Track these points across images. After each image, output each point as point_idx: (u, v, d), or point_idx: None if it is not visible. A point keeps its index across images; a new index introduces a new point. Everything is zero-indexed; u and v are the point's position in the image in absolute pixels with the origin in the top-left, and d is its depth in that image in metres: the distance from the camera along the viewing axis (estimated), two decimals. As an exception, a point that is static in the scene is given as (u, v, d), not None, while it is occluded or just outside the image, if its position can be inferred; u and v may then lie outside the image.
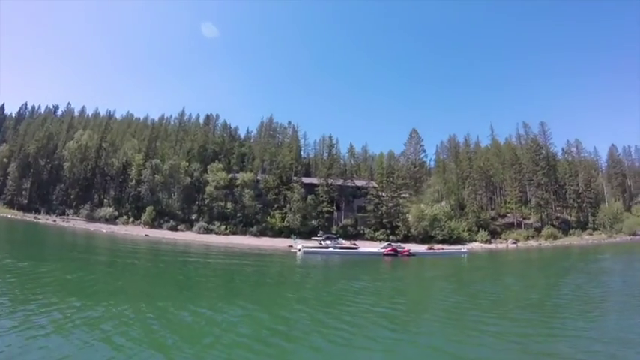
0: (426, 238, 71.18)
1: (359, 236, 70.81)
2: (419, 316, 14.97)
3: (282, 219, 71.19)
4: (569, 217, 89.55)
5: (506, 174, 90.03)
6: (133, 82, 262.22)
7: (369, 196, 76.58)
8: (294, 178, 77.30)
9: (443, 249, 61.26)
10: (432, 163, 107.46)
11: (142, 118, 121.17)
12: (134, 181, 79.61)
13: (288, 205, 72.32)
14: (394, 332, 11.90)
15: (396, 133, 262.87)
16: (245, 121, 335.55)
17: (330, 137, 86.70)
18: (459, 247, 65.93)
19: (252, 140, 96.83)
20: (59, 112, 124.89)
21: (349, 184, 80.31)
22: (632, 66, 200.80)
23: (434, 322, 13.54)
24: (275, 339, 10.65)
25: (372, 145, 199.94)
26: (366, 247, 57.86)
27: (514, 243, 77.19)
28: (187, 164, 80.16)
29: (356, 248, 54.52)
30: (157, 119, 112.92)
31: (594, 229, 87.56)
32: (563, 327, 12.08)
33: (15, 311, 10.85)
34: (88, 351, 8.29)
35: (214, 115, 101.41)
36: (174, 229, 70.36)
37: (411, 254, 50.27)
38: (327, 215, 73.45)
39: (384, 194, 78.22)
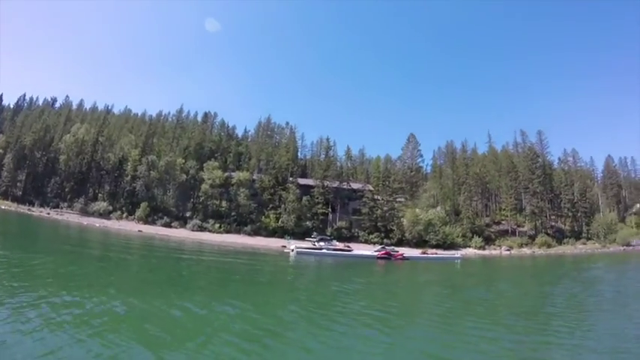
0: (420, 243, 71.39)
1: (353, 239, 70.90)
2: (411, 321, 14.93)
3: (277, 219, 71.12)
4: (563, 226, 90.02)
5: (502, 181, 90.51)
6: (133, 77, 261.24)
7: (364, 199, 76.68)
8: (290, 178, 77.29)
9: (436, 254, 61.57)
10: (429, 168, 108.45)
11: (139, 114, 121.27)
12: (129, 177, 79.20)
13: (283, 206, 72.21)
14: (386, 336, 11.79)
15: (394, 136, 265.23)
16: (243, 120, 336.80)
17: (328, 139, 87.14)
18: (452, 252, 66.12)
19: (249, 139, 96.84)
20: (57, 105, 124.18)
21: (345, 187, 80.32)
22: (632, 68, 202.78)
23: (426, 326, 13.43)
24: (266, 339, 10.56)
25: (369, 148, 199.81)
26: (360, 249, 57.66)
27: (508, 250, 77.46)
28: (183, 161, 79.96)
29: (349, 251, 54.51)
30: (154, 115, 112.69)
31: (588, 239, 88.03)
32: (558, 335, 12.04)
33: (3, 303, 10.68)
34: (77, 346, 8.16)
35: (212, 113, 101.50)
36: (168, 225, 70.08)
37: (404, 258, 50.25)
38: (321, 217, 73.42)
39: (379, 197, 78.39)
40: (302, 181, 78.52)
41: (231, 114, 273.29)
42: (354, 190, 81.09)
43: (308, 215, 71.81)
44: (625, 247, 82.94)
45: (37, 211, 70.92)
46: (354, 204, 78.74)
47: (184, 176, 77.63)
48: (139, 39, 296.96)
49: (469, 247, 75.73)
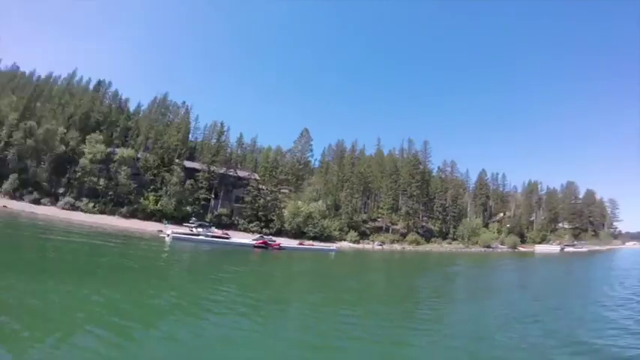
0: (299, 234, 74.76)
1: (233, 226, 71.92)
2: (285, 309, 15.31)
3: (156, 202, 69.35)
4: (433, 227, 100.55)
5: (384, 182, 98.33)
6: (28, 31, 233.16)
7: (249, 187, 77.80)
8: (177, 160, 75.57)
9: (313, 245, 64.75)
10: (317, 163, 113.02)
11: (27, 73, 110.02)
12: (2, 143, 72.47)
13: (164, 188, 70.55)
14: (259, 325, 11.83)
15: (291, 129, 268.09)
16: (140, 95, 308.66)
17: (222, 123, 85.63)
18: (328, 244, 70.01)
19: (140, 114, 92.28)
20: None
21: (231, 174, 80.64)
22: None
23: (300, 315, 13.87)
24: (134, 330, 10.20)
25: (263, 137, 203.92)
26: (239, 238, 58.75)
27: (380, 245, 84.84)
28: (65, 131, 74.71)
29: (227, 238, 55.24)
30: (43, 76, 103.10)
31: (454, 239, 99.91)
32: (420, 321, 13.25)
33: None
34: None
35: (107, 82, 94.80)
36: (37, 202, 64.60)
37: (281, 248, 52.56)
38: (203, 202, 73.27)
39: (264, 187, 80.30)
40: (188, 164, 77.51)
41: (129, 87, 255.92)
42: (240, 178, 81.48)
43: (189, 200, 71.14)
44: (486, 248, 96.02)
45: None
46: (238, 192, 79.43)
47: (63, 147, 72.66)
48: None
49: (345, 240, 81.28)
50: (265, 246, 51.05)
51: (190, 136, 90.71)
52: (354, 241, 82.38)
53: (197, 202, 72.61)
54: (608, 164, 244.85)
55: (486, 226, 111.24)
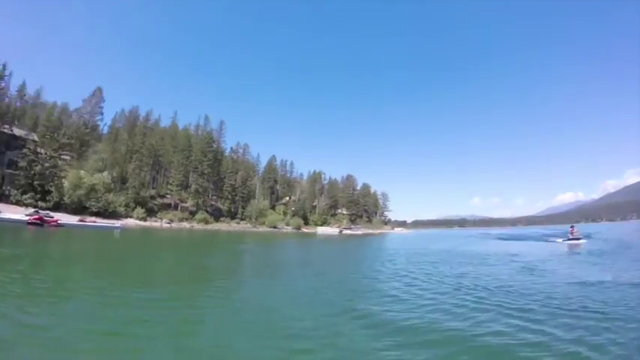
0: (80, 209, 64.89)
1: (4, 198, 57.22)
2: (67, 296, 12.05)
3: None
4: (222, 207, 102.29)
5: (176, 157, 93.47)
6: None
7: (24, 150, 61.66)
8: None
9: (96, 222, 58.27)
10: (106, 129, 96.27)
11: None
12: None
13: None
14: (34, 316, 8.95)
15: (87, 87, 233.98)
16: None
17: (5, 65, 66.16)
18: (113, 221, 64.12)
19: None
20: None
21: (6, 130, 63.01)
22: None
23: (86, 302, 11.15)
24: None
25: (50, 93, 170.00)
26: (10, 212, 48.74)
27: (168, 223, 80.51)
28: None
29: None
30: None
31: (242, 219, 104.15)
32: (212, 298, 12.45)
33: None
34: None
35: None
36: None
37: (59, 225, 46.96)
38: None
39: (42, 151, 64.94)
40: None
41: None
42: (16, 137, 65.66)
43: None
44: (272, 228, 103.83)
45: None
46: (12, 154, 62.44)
47: None
48: None
49: (131, 217, 74.44)
50: (41, 222, 44.59)
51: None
52: (141, 219, 75.86)
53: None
54: (382, 165, 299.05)
55: (273, 208, 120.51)
